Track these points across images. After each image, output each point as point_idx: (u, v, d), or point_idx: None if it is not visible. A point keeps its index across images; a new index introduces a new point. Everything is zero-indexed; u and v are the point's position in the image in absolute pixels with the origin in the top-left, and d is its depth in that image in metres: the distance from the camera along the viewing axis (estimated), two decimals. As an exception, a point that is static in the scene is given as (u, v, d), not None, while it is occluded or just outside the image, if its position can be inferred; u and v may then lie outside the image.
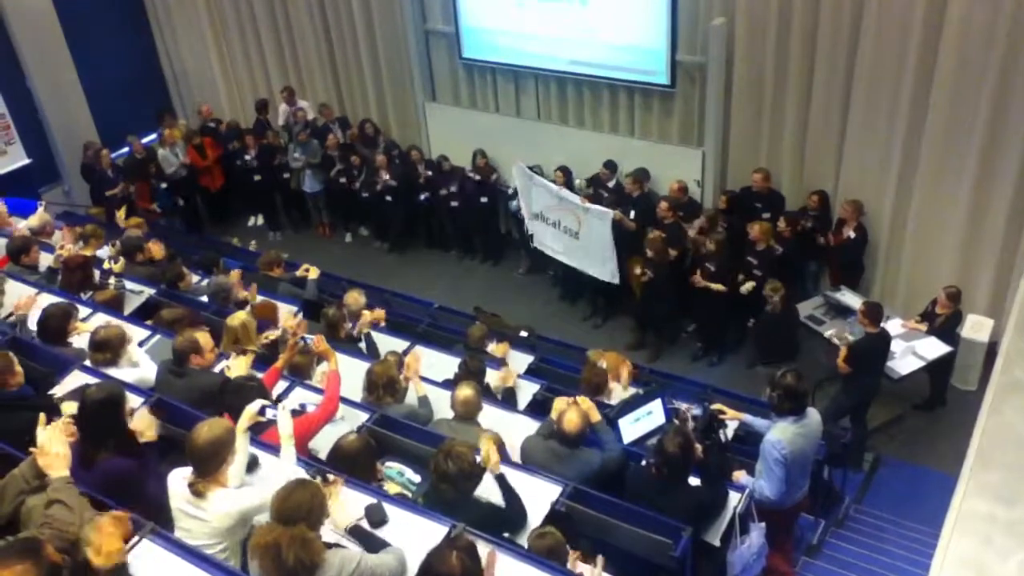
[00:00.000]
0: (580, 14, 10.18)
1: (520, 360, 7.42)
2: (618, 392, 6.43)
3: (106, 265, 7.53)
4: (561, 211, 9.92)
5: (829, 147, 9.36)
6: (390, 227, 12.23)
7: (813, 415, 5.44)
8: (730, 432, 5.79)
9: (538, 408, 6.35)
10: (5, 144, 11.47)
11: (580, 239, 9.82)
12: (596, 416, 5.21)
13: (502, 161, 11.29)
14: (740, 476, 5.48)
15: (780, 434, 5.25)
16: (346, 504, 4.00)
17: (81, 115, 12.50)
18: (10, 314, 6.29)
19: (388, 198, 11.78)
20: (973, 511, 2.63)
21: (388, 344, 7.21)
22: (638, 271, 9.45)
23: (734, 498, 5.01)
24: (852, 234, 9.12)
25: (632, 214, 9.84)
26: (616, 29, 10.04)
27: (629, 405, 5.66)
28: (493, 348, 7.36)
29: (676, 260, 9.46)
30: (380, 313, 7.62)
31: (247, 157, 12.35)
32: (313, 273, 8.34)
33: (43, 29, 11.91)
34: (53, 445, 3.54)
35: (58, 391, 4.97)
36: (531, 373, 7.24)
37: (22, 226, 8.39)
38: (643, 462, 5.06)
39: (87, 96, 12.55)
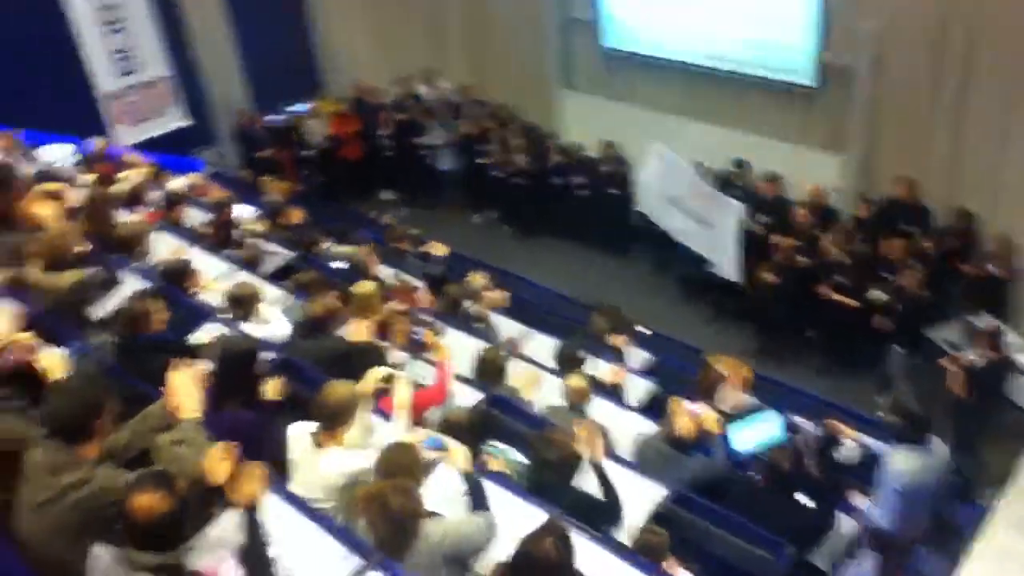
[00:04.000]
0: (723, 7, 9.96)
1: (636, 356, 7.37)
2: (734, 397, 6.30)
3: (247, 227, 7.90)
4: (693, 197, 9.73)
5: (985, 160, 8.81)
6: (518, 211, 12.34)
7: (939, 446, 5.18)
8: (847, 452, 5.58)
9: (651, 407, 6.29)
10: (169, 105, 12.16)
11: (707, 227, 9.63)
12: (716, 428, 5.10)
13: (634, 153, 11.19)
14: (856, 499, 5.28)
15: (902, 464, 5.03)
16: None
17: (238, 84, 13.12)
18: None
19: (519, 182, 11.88)
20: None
21: (506, 327, 7.31)
22: (764, 275, 9.21)
23: (847, 523, 4.84)
24: (995, 271, 8.54)
25: (761, 216, 9.60)
26: (760, 25, 9.79)
27: (744, 414, 5.54)
28: (611, 339, 7.33)
29: (805, 268, 9.17)
30: (501, 295, 7.72)
31: (385, 132, 12.71)
32: (440, 250, 8.52)
33: (208, 2, 12.55)
34: (184, 388, 3.74)
35: (194, 339, 5.26)
36: (646, 371, 7.18)
37: (177, 185, 8.89)
38: (752, 474, 4.95)
39: (244, 66, 13.15)
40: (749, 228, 9.39)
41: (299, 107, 13.32)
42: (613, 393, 6.22)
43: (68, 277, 5.36)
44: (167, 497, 2.84)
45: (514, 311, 7.90)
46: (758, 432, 5.43)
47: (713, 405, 5.67)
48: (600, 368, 6.47)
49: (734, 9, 9.89)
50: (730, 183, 10.19)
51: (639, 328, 8.61)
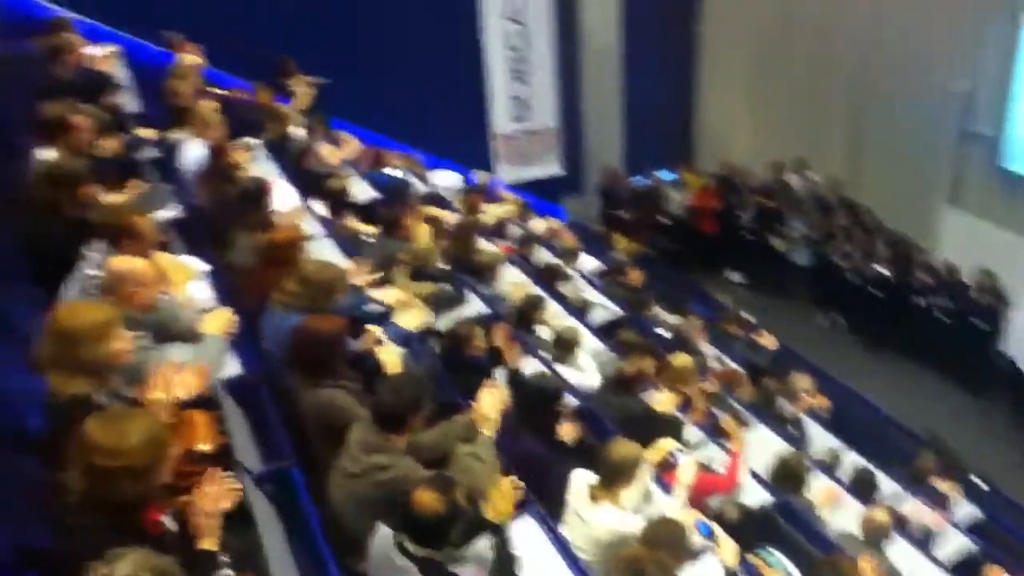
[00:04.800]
0: None
1: (961, 507, 6.62)
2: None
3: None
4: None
5: None
6: (868, 321, 11.58)
7: None
8: None
9: (964, 568, 5.61)
10: (548, 153, 13.17)
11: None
12: None
13: (1016, 290, 10.04)
14: None
15: None
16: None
17: (614, 142, 13.84)
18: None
19: (875, 292, 11.18)
20: None
21: (820, 437, 6.93)
22: None
23: None
24: None
25: None
26: None
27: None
28: (936, 481, 6.67)
29: None
30: (822, 402, 7.35)
31: (745, 214, 12.65)
32: (769, 341, 8.32)
33: (606, 58, 13.39)
34: (491, 409, 4.06)
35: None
36: (969, 528, 6.41)
37: (537, 226, 9.58)
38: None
39: (623, 127, 13.83)
40: None
41: (665, 174, 13.71)
42: (921, 539, 5.64)
43: (424, 288, 6.03)
44: (445, 501, 3.10)
45: (833, 422, 7.46)
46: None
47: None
48: (911, 506, 5.91)
49: None
50: None
51: (974, 478, 7.71)
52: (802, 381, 7.58)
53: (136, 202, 4.79)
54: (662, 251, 13.33)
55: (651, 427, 5.03)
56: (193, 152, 6.42)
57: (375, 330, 4.59)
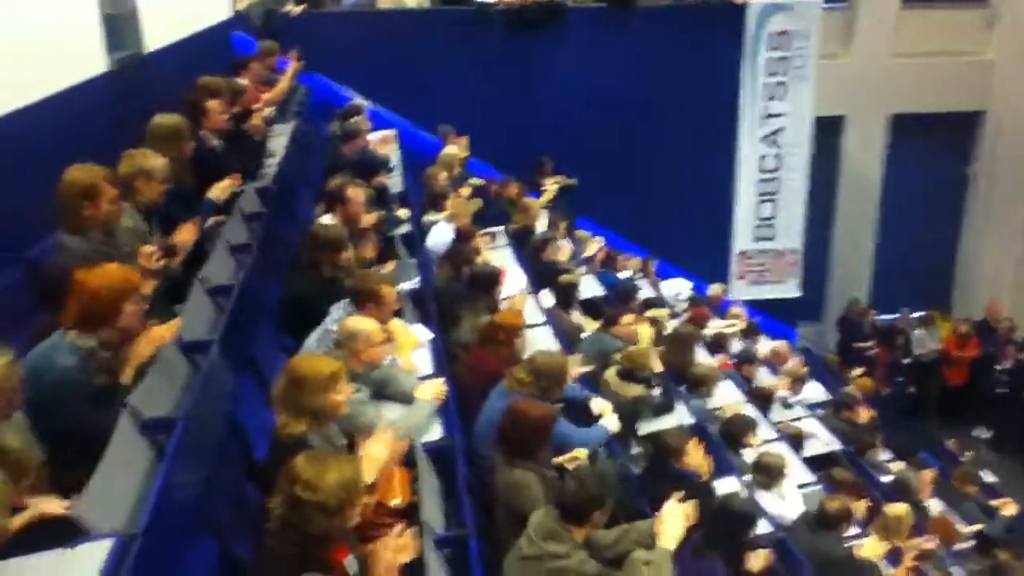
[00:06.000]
0: None
1: None
2: None
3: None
4: None
5: None
6: None
7: None
8: None
9: None
10: (788, 275, 12.86)
11: None
12: None
13: None
14: None
15: None
16: None
17: (862, 274, 13.29)
18: None
19: None
20: None
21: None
22: None
23: None
24: None
25: None
26: None
27: None
28: None
29: None
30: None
31: (1004, 367, 11.64)
32: (1012, 509, 7.54)
33: (865, 188, 12.99)
34: (679, 524, 4.01)
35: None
36: None
37: (763, 347, 9.37)
38: None
39: (875, 258, 13.27)
40: None
41: (917, 314, 12.90)
42: None
43: (634, 390, 6.09)
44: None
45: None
46: None
47: None
48: None
49: None
50: None
51: None
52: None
53: (386, 273, 5.31)
54: (900, 393, 12.49)
55: (849, 574, 4.72)
56: (441, 234, 7.01)
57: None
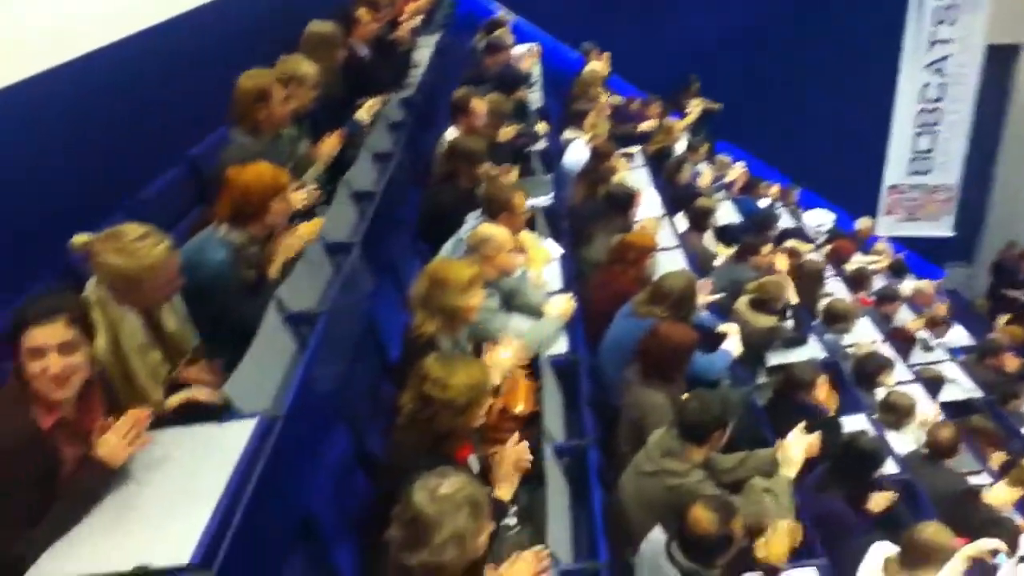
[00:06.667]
0: None
1: None
2: None
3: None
4: None
5: None
6: None
7: None
8: None
9: None
10: (941, 213, 12.16)
11: None
12: None
13: None
14: None
15: None
16: None
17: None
18: None
19: None
20: None
21: None
22: None
23: None
24: None
25: None
26: None
27: None
28: None
29: None
30: None
31: None
32: None
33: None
34: (797, 452, 3.97)
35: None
36: None
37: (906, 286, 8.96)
38: None
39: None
40: None
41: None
42: None
43: (765, 320, 5.97)
44: (720, 524, 3.15)
45: None
46: None
47: None
48: None
49: None
50: None
51: None
52: None
53: (519, 185, 5.35)
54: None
55: (967, 513, 4.58)
56: (578, 153, 6.96)
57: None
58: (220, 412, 2.59)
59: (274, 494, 2.48)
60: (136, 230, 2.63)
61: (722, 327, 5.07)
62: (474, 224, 4.37)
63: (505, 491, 3.06)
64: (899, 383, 6.42)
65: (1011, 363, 8.12)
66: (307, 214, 3.73)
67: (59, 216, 2.99)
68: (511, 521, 3.12)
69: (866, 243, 10.48)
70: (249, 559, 2.27)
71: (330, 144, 4.32)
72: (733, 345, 4.88)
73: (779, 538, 3.42)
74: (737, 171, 9.27)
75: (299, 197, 3.61)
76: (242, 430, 2.47)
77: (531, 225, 5.06)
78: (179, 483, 2.30)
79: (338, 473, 3.19)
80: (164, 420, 2.52)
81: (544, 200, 5.66)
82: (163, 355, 2.78)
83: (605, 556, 3.22)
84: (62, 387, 2.16)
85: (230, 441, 2.42)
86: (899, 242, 11.54)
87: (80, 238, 2.65)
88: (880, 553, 4.04)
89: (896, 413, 5.58)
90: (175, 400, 2.63)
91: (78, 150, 3.58)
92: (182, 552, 2.01)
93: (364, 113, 4.86)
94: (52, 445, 2.20)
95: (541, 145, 6.69)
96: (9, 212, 3.13)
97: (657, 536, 3.36)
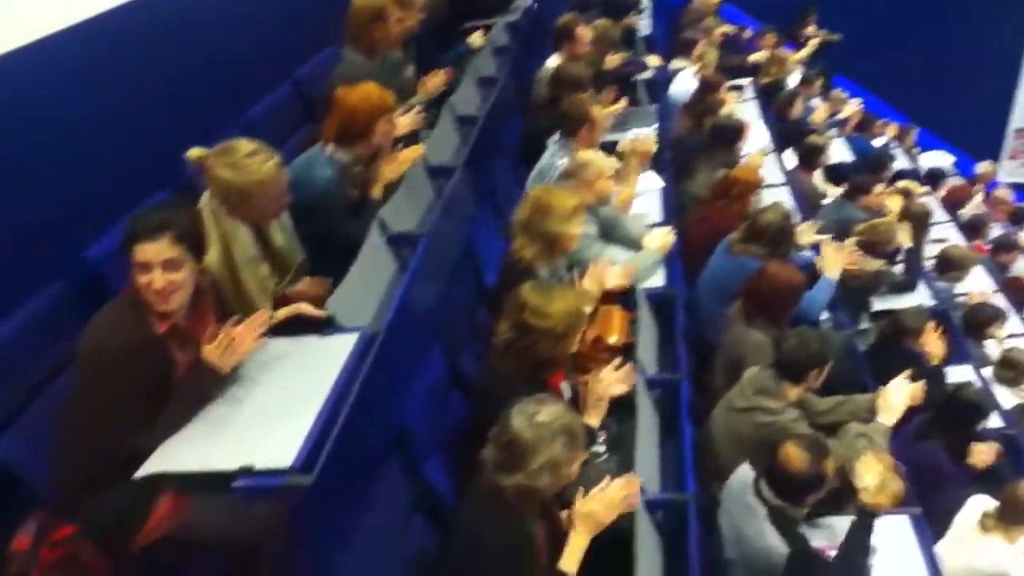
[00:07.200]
0: None
1: None
2: None
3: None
4: None
5: None
6: None
7: None
8: None
9: None
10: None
11: None
12: None
13: None
14: None
15: None
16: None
17: None
18: None
19: None
20: None
21: None
22: None
23: None
24: None
25: None
26: None
27: None
28: None
29: None
30: None
31: None
32: None
33: None
34: (898, 399, 3.86)
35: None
36: None
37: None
38: None
39: None
40: None
41: None
42: None
43: (873, 264, 5.77)
44: (812, 464, 3.10)
45: None
46: None
47: None
48: None
49: None
50: None
51: None
52: None
53: (620, 113, 5.27)
54: None
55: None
56: (685, 83, 6.77)
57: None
58: (324, 326, 2.68)
59: (372, 406, 2.56)
60: (247, 146, 2.69)
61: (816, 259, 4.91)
62: (555, 150, 4.34)
63: (594, 418, 3.10)
64: (1010, 335, 6.15)
65: None
66: (411, 137, 3.77)
67: (176, 131, 3.09)
68: (600, 448, 3.15)
69: (986, 188, 9.94)
70: (346, 466, 2.35)
71: (435, 81, 4.35)
72: (831, 271, 4.68)
73: (881, 485, 3.31)
74: (852, 108, 8.85)
75: (404, 121, 3.65)
76: (344, 344, 2.54)
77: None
78: (283, 391, 2.39)
79: (433, 391, 3.27)
80: (271, 331, 2.62)
81: (647, 130, 5.55)
82: (271, 269, 2.88)
83: (692, 488, 3.23)
84: (166, 301, 2.22)
85: (332, 354, 2.49)
86: (1021, 190, 10.90)
87: (195, 152, 2.73)
88: (977, 507, 3.96)
89: (1016, 370, 5.36)
90: (283, 313, 2.72)
91: (194, 66, 3.69)
92: (285, 455, 2.08)
93: (477, 38, 4.87)
94: (166, 349, 2.29)
95: (648, 74, 6.53)
96: (136, 123, 3.27)
97: (745, 472, 3.34)
